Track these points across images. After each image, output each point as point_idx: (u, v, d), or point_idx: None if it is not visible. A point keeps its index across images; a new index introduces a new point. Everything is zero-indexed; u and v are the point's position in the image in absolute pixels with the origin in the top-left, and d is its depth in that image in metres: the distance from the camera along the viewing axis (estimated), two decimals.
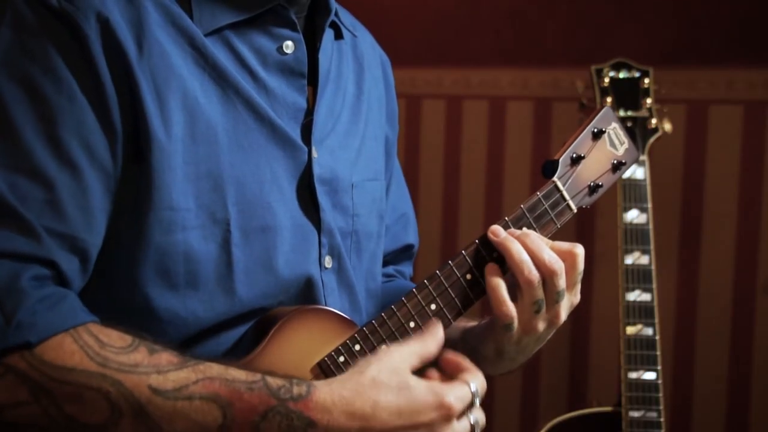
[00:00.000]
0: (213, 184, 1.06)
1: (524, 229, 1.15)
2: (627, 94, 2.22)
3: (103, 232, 1.02)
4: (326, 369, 1.08)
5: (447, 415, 1.01)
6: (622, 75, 2.24)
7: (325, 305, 1.14)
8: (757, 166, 2.89)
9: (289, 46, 1.13)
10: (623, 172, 1.27)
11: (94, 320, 0.96)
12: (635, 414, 2.08)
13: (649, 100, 2.21)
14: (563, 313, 1.15)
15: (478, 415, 1.05)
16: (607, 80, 2.22)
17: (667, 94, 2.34)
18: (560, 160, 1.20)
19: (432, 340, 1.07)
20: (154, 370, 0.94)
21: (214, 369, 0.97)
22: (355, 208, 1.21)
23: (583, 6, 3.12)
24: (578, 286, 1.16)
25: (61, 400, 0.92)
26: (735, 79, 2.93)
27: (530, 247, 1.11)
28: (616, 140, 1.26)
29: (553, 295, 1.12)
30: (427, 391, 1.01)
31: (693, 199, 2.97)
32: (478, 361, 1.13)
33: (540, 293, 1.11)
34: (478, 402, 1.05)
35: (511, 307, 1.11)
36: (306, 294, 1.13)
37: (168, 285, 1.05)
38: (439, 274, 1.13)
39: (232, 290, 1.07)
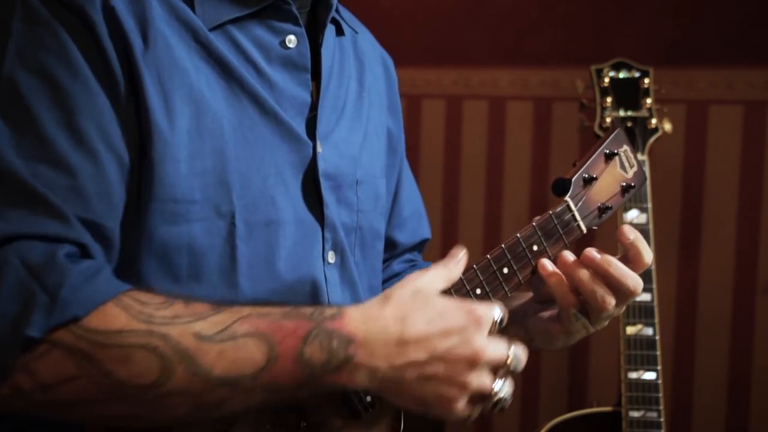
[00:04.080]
0: (218, 177, 1.06)
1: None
2: (627, 94, 2.22)
3: (120, 220, 1.02)
4: None
5: (476, 321, 1.00)
6: (622, 75, 2.24)
7: (328, 300, 1.15)
8: (757, 166, 2.89)
9: (291, 40, 1.14)
10: (631, 195, 1.28)
11: (130, 287, 0.96)
12: (635, 414, 2.08)
13: (649, 100, 2.21)
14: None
15: (518, 350, 1.04)
16: (607, 80, 2.22)
17: (667, 94, 2.33)
18: (573, 180, 1.21)
19: (454, 263, 1.08)
20: (194, 318, 0.94)
21: (247, 309, 0.97)
22: (359, 204, 1.21)
23: (583, 6, 3.12)
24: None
25: (111, 366, 0.91)
26: (735, 79, 2.93)
27: (608, 272, 1.15)
28: (627, 163, 1.28)
29: (623, 304, 1.18)
30: (453, 302, 1.01)
31: (693, 199, 2.97)
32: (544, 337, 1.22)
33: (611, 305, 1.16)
34: (502, 326, 1.04)
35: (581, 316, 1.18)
36: (308, 289, 1.13)
37: (171, 277, 1.05)
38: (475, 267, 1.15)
39: (235, 284, 1.08)
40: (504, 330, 1.24)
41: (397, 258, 1.45)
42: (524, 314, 1.24)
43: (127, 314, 0.93)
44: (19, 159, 0.96)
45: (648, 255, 1.17)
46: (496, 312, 1.02)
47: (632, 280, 1.15)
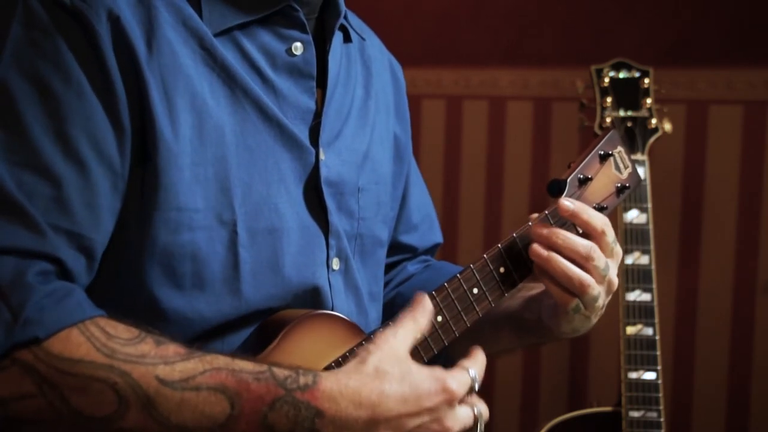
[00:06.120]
0: (220, 185, 1.06)
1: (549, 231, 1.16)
2: (627, 94, 2.22)
3: (110, 232, 1.02)
4: None
5: (450, 400, 1.00)
6: (622, 75, 2.24)
7: (333, 307, 1.14)
8: (757, 166, 2.90)
9: (298, 47, 1.13)
10: (626, 196, 1.29)
11: (101, 314, 0.96)
12: (635, 414, 2.08)
13: (649, 100, 2.21)
14: (615, 279, 1.18)
15: (481, 407, 1.05)
16: (607, 80, 2.22)
17: (667, 94, 2.34)
18: (568, 181, 1.22)
19: (422, 314, 1.06)
20: (161, 360, 0.93)
21: (221, 360, 0.96)
22: (360, 211, 1.20)
23: (583, 6, 3.12)
24: (616, 248, 1.17)
25: (67, 393, 0.91)
26: (735, 79, 2.93)
27: (565, 247, 1.13)
28: (621, 164, 1.28)
29: (599, 275, 1.15)
30: (428, 377, 1.01)
31: (693, 199, 2.98)
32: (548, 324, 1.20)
33: (596, 289, 1.15)
34: (476, 387, 1.05)
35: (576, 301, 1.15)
36: (313, 295, 1.13)
37: (174, 285, 1.04)
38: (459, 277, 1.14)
39: (238, 291, 1.07)
40: (524, 320, 1.24)
41: (411, 260, 1.44)
42: (539, 302, 1.24)
43: (90, 344, 0.93)
44: (4, 164, 0.96)
45: (597, 219, 1.15)
46: (471, 374, 1.04)
47: (583, 246, 1.14)
